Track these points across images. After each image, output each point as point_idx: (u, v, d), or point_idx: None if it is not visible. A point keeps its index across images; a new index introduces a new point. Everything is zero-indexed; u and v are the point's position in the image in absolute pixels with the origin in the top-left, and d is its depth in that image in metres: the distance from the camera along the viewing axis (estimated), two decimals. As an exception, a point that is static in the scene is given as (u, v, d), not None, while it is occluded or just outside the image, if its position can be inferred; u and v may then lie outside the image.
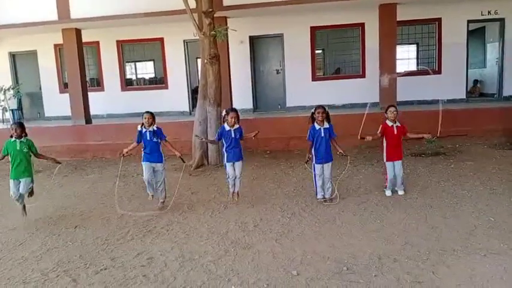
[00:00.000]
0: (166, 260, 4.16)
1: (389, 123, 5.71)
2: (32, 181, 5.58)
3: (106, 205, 6.21)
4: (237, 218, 5.28)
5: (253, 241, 4.53)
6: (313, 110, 5.66)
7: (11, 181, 5.45)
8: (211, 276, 3.77)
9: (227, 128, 5.68)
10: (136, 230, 5.06)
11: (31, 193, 5.70)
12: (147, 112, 5.74)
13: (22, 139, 5.45)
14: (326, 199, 5.68)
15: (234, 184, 5.82)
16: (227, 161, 5.75)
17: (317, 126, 5.60)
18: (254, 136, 5.77)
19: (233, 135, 5.67)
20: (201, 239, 4.69)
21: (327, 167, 5.66)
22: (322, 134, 5.58)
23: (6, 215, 5.89)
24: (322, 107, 5.62)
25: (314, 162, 5.67)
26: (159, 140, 5.74)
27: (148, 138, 5.67)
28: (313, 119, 5.66)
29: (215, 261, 4.07)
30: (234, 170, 5.73)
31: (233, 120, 5.65)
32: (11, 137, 5.43)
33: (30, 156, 5.55)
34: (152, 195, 5.85)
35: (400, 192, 5.82)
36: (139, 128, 5.70)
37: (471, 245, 4.11)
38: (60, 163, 5.93)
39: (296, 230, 4.78)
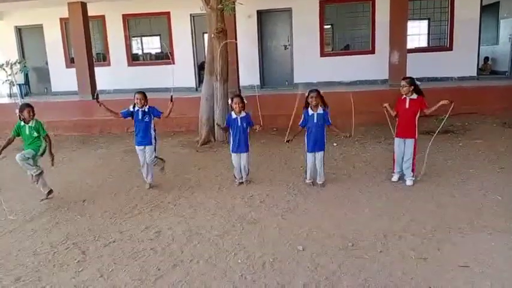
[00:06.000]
0: (173, 234, 4.22)
1: (403, 96, 5.30)
2: (35, 156, 5.29)
3: (114, 179, 6.28)
4: (244, 194, 5.31)
5: (259, 216, 4.57)
6: (306, 94, 5.32)
7: None
8: (218, 250, 3.82)
9: (234, 115, 5.54)
10: (143, 205, 5.12)
11: (39, 175, 5.44)
12: (139, 92, 5.51)
13: (31, 123, 5.28)
14: (314, 183, 5.51)
15: (241, 175, 5.70)
16: (232, 151, 5.64)
17: (310, 112, 5.31)
18: (258, 129, 5.46)
19: (239, 123, 5.51)
20: (207, 213, 4.74)
21: (319, 156, 5.37)
22: (315, 120, 5.26)
23: (16, 189, 5.97)
24: (315, 90, 5.29)
25: (306, 150, 5.45)
26: (152, 119, 5.55)
27: (140, 117, 5.48)
28: (307, 103, 5.32)
29: (222, 236, 4.12)
30: (240, 160, 5.61)
31: (238, 106, 5.45)
32: (19, 118, 5.27)
33: (41, 138, 5.37)
34: (149, 184, 5.75)
35: (408, 182, 5.32)
36: (131, 108, 5.52)
37: (477, 223, 4.11)
38: (52, 165, 5.42)
39: (302, 207, 4.81)
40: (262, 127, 5.53)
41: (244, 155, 5.62)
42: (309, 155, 5.42)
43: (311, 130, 5.33)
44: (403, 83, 5.28)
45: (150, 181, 5.78)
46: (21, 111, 5.28)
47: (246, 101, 5.57)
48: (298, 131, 5.48)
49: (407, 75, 5.57)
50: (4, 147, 5.35)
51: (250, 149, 5.80)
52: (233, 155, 5.65)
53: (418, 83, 5.27)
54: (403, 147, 5.34)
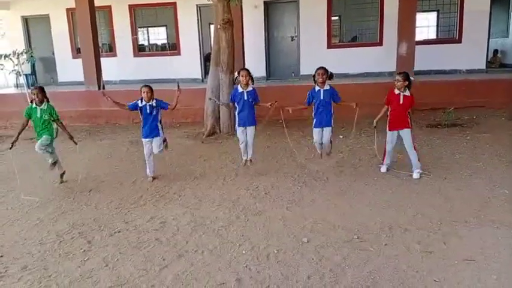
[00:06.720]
0: (178, 225, 4.23)
1: (396, 91, 5.28)
2: (52, 140, 5.47)
3: (120, 170, 6.30)
4: (249, 185, 5.30)
5: (264, 208, 4.57)
6: (314, 72, 5.32)
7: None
8: (223, 241, 3.83)
9: (240, 89, 5.52)
10: (149, 195, 5.13)
11: (54, 163, 5.64)
12: (145, 86, 5.48)
13: (43, 106, 5.33)
14: (322, 155, 5.58)
15: (247, 152, 5.73)
16: (238, 126, 5.61)
17: (316, 88, 5.32)
18: (271, 105, 5.41)
19: (245, 98, 5.47)
20: (212, 204, 4.74)
21: (326, 132, 5.36)
22: (322, 97, 5.27)
23: (22, 179, 6.00)
24: (323, 68, 5.29)
25: (313, 126, 5.46)
26: (159, 112, 5.55)
27: (148, 111, 5.47)
28: (315, 81, 5.35)
29: (226, 227, 4.12)
30: (246, 135, 5.61)
31: (245, 79, 5.40)
32: (31, 102, 5.32)
33: (52, 121, 5.45)
34: (153, 178, 5.67)
35: (415, 175, 5.22)
36: (139, 103, 5.48)
37: (484, 217, 4.07)
38: (76, 143, 5.75)
39: (307, 199, 4.79)
40: (275, 104, 5.40)
41: (250, 129, 5.57)
42: (316, 130, 5.43)
43: (318, 107, 5.34)
44: (397, 77, 5.27)
45: (152, 174, 5.73)
46: (32, 92, 5.38)
47: (253, 75, 5.54)
48: (302, 107, 5.52)
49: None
50: (19, 133, 5.42)
51: (256, 140, 5.78)
52: (239, 130, 5.60)
53: (411, 78, 5.29)
54: (397, 140, 5.40)
